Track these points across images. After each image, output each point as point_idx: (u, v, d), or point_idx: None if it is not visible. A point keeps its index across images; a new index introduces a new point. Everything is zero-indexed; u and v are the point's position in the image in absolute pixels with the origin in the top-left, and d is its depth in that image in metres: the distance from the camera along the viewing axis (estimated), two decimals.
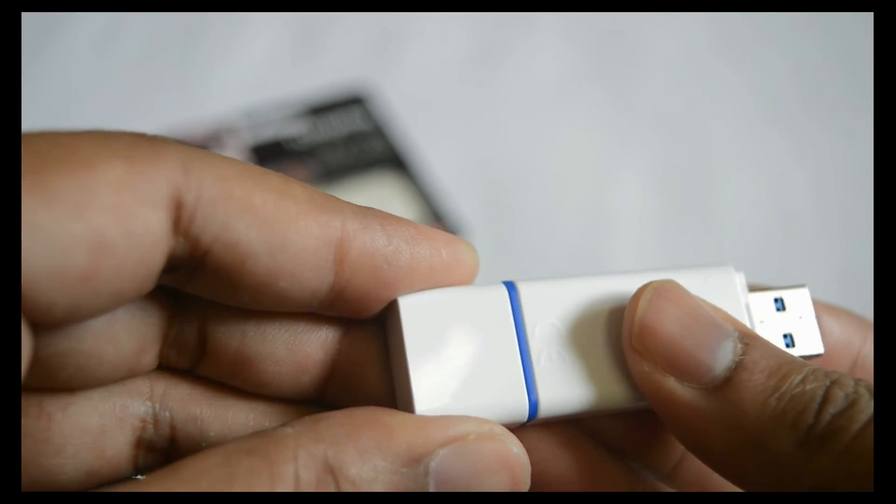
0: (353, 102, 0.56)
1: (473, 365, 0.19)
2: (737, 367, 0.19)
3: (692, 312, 0.20)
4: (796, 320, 0.22)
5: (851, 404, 0.18)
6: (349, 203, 0.19)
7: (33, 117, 0.55)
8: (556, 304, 0.20)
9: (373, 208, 0.19)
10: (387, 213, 0.19)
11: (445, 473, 0.18)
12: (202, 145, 0.52)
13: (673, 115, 0.59)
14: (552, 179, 0.55)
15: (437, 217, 0.50)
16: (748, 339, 0.19)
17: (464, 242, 0.20)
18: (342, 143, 0.53)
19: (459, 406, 0.19)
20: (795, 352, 0.21)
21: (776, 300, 0.22)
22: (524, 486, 0.19)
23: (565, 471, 0.21)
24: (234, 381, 0.21)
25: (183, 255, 0.18)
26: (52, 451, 0.19)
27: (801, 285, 0.22)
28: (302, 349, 0.20)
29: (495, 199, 0.53)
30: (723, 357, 0.19)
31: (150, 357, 0.20)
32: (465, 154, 0.55)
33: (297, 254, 0.18)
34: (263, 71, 0.59)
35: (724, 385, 0.19)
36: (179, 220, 0.17)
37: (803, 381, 0.18)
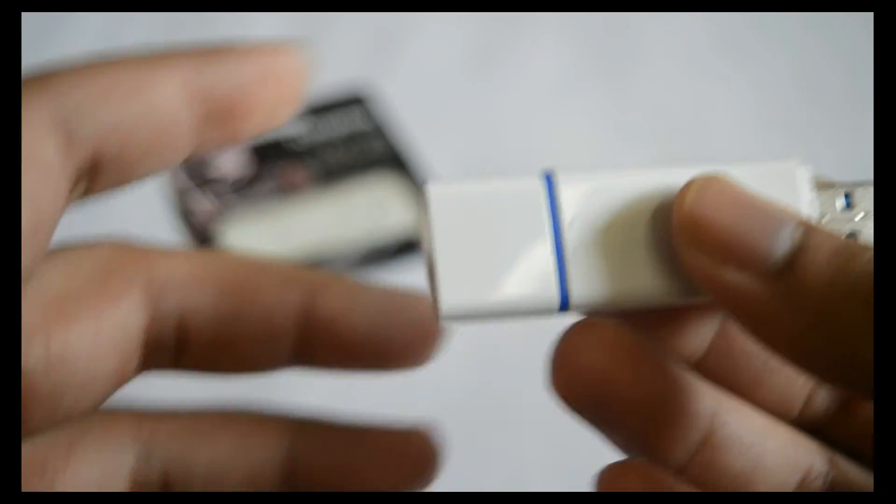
0: (353, 102, 0.56)
1: (504, 257, 0.19)
2: (798, 252, 0.18)
3: (744, 201, 0.19)
4: (862, 218, 0.20)
5: None
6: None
7: None
8: (596, 197, 0.20)
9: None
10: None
11: None
12: None
13: (673, 115, 0.59)
14: None
15: None
16: (806, 226, 0.18)
17: (285, 54, 0.19)
18: (342, 143, 0.53)
19: (487, 299, 0.19)
20: None
21: (845, 195, 0.20)
22: None
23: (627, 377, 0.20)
24: (217, 368, 0.22)
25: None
26: None
27: (869, 182, 0.21)
28: (277, 321, 0.21)
29: None
30: (782, 242, 0.18)
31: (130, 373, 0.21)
32: (464, 154, 0.55)
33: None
34: None
35: (786, 269, 0.18)
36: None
37: (870, 260, 0.18)
